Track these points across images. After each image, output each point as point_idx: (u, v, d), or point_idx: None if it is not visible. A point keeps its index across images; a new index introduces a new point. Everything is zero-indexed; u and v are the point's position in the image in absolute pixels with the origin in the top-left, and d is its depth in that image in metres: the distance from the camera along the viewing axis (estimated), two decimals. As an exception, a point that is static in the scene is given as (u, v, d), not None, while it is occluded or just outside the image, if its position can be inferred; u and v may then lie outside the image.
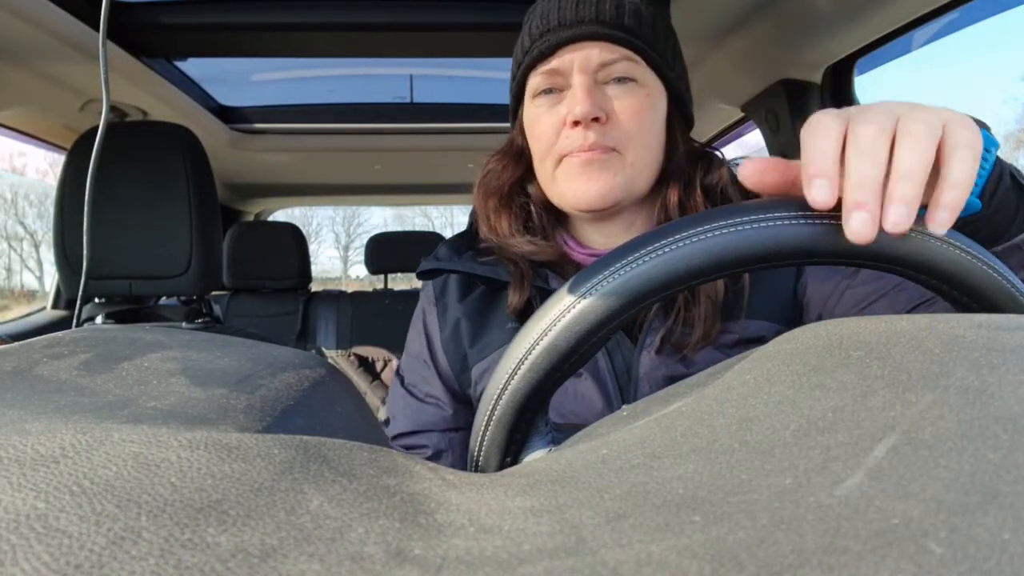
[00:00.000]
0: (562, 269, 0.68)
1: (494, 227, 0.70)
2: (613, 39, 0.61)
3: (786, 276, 0.67)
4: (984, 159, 0.39)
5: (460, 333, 0.72)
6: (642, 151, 0.63)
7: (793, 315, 0.66)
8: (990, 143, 0.40)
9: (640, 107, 0.62)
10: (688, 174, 0.67)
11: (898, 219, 0.30)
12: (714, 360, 0.60)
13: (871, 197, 0.30)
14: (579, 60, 0.62)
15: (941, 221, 0.31)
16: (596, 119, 0.61)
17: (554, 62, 0.63)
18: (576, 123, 0.61)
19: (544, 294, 0.65)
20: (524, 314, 0.67)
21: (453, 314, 0.72)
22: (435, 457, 0.73)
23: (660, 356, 0.63)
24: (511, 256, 0.68)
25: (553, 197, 0.68)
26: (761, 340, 0.62)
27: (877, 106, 0.34)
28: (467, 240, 0.74)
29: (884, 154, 0.31)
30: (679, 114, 0.68)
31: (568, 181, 0.64)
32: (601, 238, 0.70)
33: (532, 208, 0.71)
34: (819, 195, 0.31)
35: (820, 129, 0.33)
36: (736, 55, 1.23)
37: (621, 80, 0.62)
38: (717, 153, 0.70)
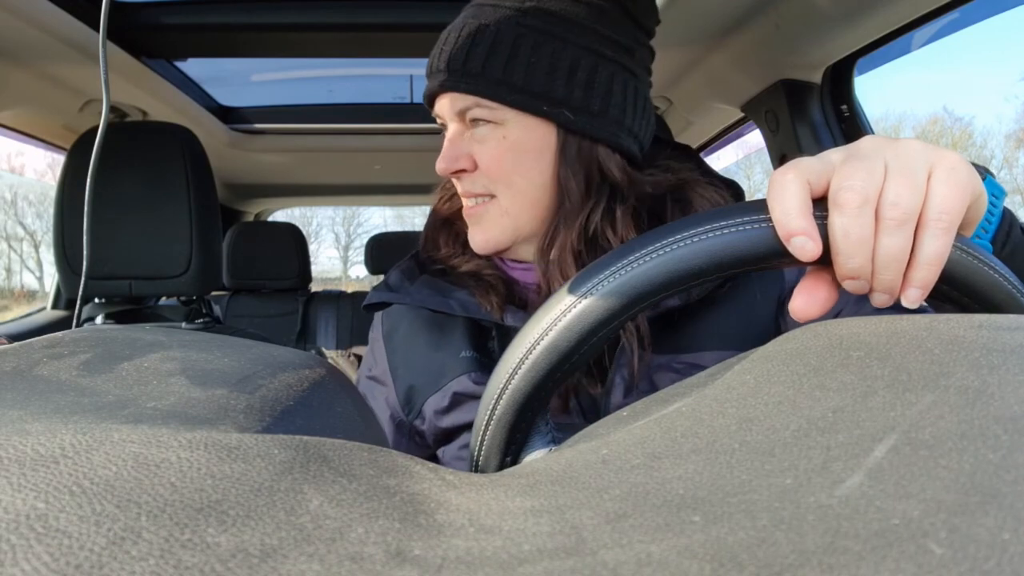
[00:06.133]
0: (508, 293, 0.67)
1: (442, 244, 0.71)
2: (456, 89, 0.60)
3: (765, 305, 0.63)
4: (993, 205, 0.38)
5: (411, 369, 0.69)
6: (514, 193, 0.61)
7: None
8: (996, 190, 0.39)
9: (497, 150, 0.61)
10: (590, 208, 0.62)
11: (882, 303, 0.32)
12: None
13: (863, 268, 0.31)
14: (445, 108, 0.63)
15: (912, 298, 0.32)
16: (460, 171, 0.62)
17: (435, 108, 0.65)
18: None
19: (500, 328, 0.64)
20: (480, 346, 0.65)
21: (402, 353, 0.70)
22: None
23: (633, 394, 0.60)
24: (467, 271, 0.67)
25: None
26: None
27: (860, 163, 0.31)
28: (419, 263, 0.72)
29: (871, 228, 0.31)
30: (581, 140, 0.61)
31: (468, 228, 0.66)
32: (529, 254, 0.67)
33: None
34: (803, 254, 0.31)
35: (782, 189, 0.32)
36: (736, 55, 1.23)
37: (477, 122, 0.61)
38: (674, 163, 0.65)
